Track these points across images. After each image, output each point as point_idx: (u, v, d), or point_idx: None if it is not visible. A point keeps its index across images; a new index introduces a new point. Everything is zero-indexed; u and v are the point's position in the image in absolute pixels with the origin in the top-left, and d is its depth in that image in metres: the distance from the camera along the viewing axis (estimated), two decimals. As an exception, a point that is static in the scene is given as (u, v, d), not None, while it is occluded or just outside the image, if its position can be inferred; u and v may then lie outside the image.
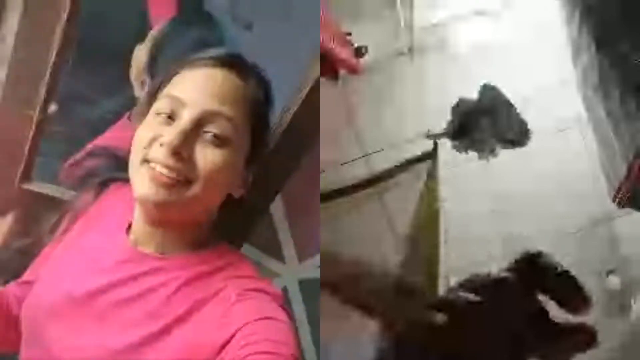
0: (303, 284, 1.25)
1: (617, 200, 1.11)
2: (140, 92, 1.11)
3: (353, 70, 0.80)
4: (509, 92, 1.38)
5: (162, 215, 0.72)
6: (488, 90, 1.38)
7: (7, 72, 0.97)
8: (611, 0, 1.00)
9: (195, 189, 0.70)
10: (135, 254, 0.75)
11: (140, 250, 0.75)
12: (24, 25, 0.93)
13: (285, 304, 0.75)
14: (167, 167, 0.68)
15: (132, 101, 1.16)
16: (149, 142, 0.70)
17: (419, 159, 1.41)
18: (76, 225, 0.86)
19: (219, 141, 0.70)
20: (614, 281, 1.49)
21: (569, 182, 1.43)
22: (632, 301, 1.50)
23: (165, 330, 0.68)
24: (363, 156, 1.39)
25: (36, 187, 1.07)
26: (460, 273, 1.32)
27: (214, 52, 0.77)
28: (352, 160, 1.39)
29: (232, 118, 0.71)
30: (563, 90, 1.31)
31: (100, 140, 1.12)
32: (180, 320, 0.69)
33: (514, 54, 1.40)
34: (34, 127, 1.01)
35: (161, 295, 0.71)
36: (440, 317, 0.40)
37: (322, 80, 0.82)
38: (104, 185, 0.88)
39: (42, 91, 0.98)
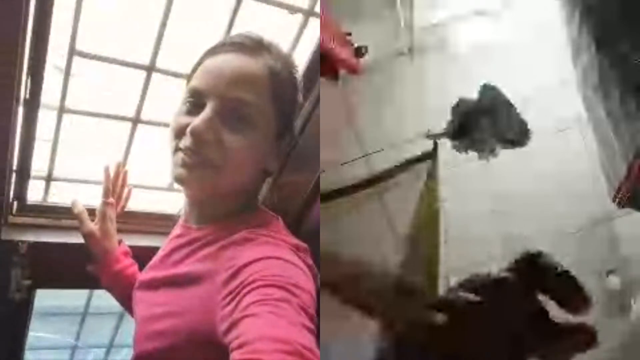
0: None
1: (617, 200, 1.10)
2: None
3: (353, 70, 0.81)
4: (509, 92, 1.38)
5: (193, 193, 0.80)
6: (488, 90, 1.38)
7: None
8: (611, 0, 1.00)
9: (222, 173, 0.75)
10: (184, 228, 0.84)
11: (185, 224, 0.85)
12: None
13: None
14: (192, 152, 0.74)
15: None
16: (178, 132, 0.76)
17: (419, 159, 1.41)
18: None
19: (242, 125, 0.74)
20: (614, 281, 1.49)
21: (569, 182, 1.43)
22: (632, 301, 1.50)
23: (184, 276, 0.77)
24: (363, 156, 1.39)
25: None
26: (460, 273, 1.31)
27: (234, 37, 0.82)
28: (352, 160, 1.38)
29: (251, 101, 0.75)
30: (563, 90, 1.31)
31: None
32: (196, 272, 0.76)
33: (514, 54, 1.39)
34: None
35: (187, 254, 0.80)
36: (440, 317, 0.40)
37: (322, 80, 0.82)
38: None
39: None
